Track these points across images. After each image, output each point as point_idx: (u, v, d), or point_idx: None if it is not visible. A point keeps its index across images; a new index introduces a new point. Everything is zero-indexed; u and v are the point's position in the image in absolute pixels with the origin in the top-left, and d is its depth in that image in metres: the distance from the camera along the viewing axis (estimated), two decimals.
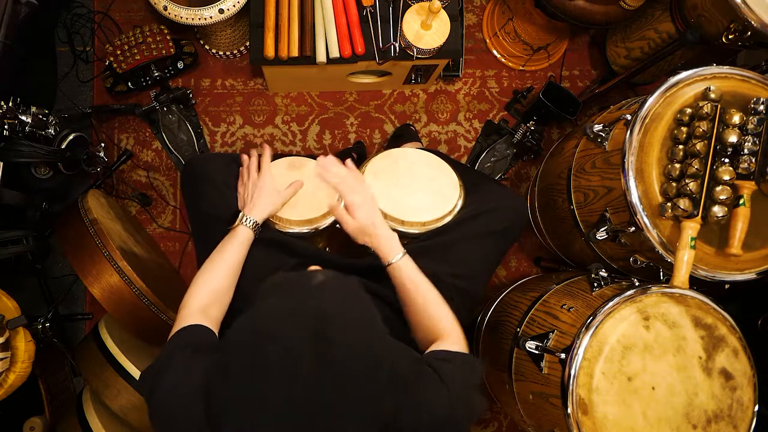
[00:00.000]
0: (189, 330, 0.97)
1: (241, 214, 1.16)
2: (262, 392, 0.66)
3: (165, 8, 1.54)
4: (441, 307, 1.07)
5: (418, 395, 0.82)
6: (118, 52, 1.70)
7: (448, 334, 1.03)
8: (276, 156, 1.35)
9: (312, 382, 0.65)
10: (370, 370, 0.69)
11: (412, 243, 1.25)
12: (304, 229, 1.25)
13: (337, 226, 1.33)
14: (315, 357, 0.65)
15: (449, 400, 0.85)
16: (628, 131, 1.20)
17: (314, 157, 1.40)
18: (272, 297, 0.72)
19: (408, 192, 1.29)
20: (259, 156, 1.27)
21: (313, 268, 0.84)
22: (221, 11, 1.55)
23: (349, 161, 1.24)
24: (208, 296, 1.05)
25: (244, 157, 1.27)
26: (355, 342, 0.68)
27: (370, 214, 1.15)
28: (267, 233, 1.19)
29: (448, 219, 1.26)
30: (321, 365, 0.65)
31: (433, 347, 1.00)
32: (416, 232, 1.25)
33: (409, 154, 1.37)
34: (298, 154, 1.40)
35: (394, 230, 1.24)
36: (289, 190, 1.25)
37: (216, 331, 1.02)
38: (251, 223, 1.15)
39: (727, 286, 1.20)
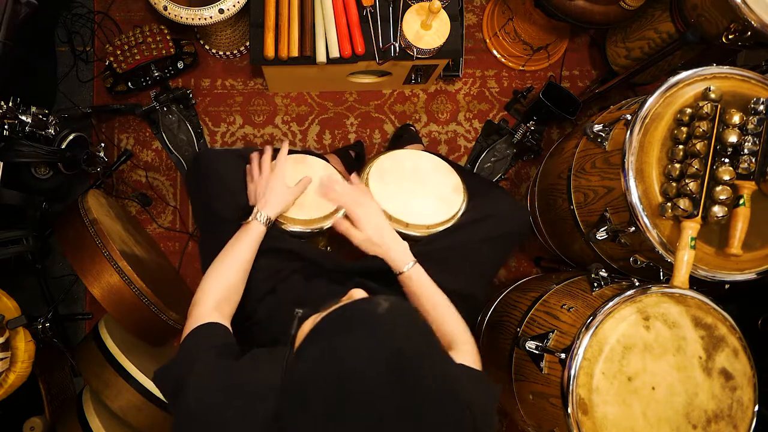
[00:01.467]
0: (207, 329, 0.97)
1: (255, 209, 1.15)
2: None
3: (165, 8, 1.54)
4: (452, 316, 1.08)
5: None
6: (118, 52, 1.70)
7: (459, 343, 1.03)
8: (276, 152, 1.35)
9: (398, 423, 0.63)
10: (452, 399, 0.68)
11: (414, 246, 1.25)
12: (307, 229, 1.25)
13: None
14: (398, 394, 0.63)
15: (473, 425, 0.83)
16: (628, 131, 1.20)
17: (316, 154, 1.41)
18: (340, 330, 0.68)
19: (412, 195, 1.29)
20: (275, 150, 1.26)
21: (356, 292, 0.80)
22: (221, 11, 1.55)
23: (354, 176, 1.25)
24: (220, 292, 1.05)
25: (254, 154, 1.25)
26: (431, 375, 0.66)
27: (377, 225, 1.16)
28: (267, 238, 1.17)
29: (451, 223, 1.27)
30: (405, 402, 0.63)
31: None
32: (418, 235, 1.26)
33: (414, 157, 1.37)
34: (300, 151, 1.40)
35: (397, 232, 1.25)
36: (298, 186, 1.24)
37: (229, 324, 1.02)
38: (264, 219, 1.14)
39: (727, 286, 1.20)
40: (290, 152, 1.36)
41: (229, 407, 0.81)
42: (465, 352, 1.02)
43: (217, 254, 1.14)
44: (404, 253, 1.13)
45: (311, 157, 1.35)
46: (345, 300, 0.78)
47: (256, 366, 0.88)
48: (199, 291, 1.05)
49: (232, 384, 0.84)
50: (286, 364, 0.72)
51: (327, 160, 1.40)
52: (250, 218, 1.14)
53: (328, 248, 1.44)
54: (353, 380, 0.63)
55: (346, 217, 1.22)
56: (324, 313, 0.72)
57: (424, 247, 1.23)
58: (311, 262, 1.20)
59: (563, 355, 1.16)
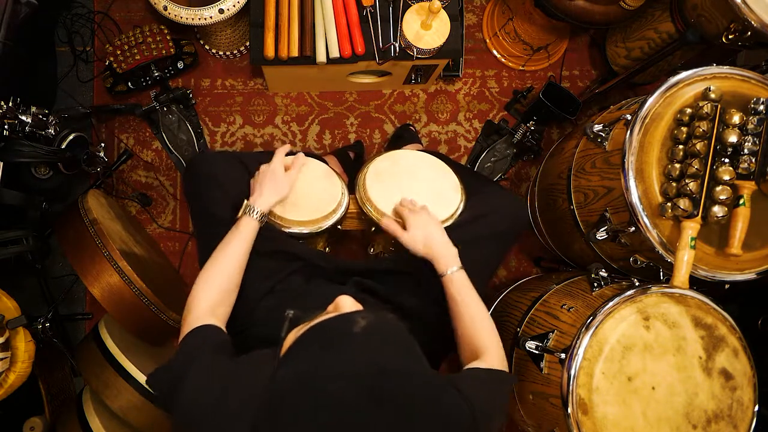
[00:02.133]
0: (202, 330, 0.96)
1: (245, 203, 1.13)
2: None
3: (165, 8, 1.55)
4: (486, 325, 1.08)
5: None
6: (118, 52, 1.70)
7: (488, 351, 1.04)
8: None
9: None
10: (437, 405, 0.68)
11: None
12: (305, 230, 1.25)
13: (339, 227, 1.33)
14: (373, 411, 0.63)
15: (472, 421, 0.82)
16: (628, 131, 1.20)
17: (315, 156, 1.41)
18: (317, 350, 0.67)
19: (410, 195, 1.29)
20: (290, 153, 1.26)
21: (342, 300, 0.79)
22: (221, 11, 1.55)
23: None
24: (215, 295, 1.04)
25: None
26: (408, 393, 0.65)
27: (428, 230, 1.16)
28: (266, 240, 1.17)
29: (450, 222, 1.27)
30: (382, 419, 0.63)
31: (473, 365, 1.00)
32: None
33: (410, 156, 1.37)
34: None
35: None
36: (293, 171, 1.22)
37: (224, 327, 1.02)
38: (256, 214, 1.12)
39: (727, 286, 1.20)
40: (288, 154, 1.36)
41: (226, 404, 0.81)
42: (490, 364, 1.02)
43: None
44: (451, 257, 1.13)
45: (309, 158, 1.35)
46: (331, 309, 0.78)
47: (254, 365, 0.88)
48: (191, 296, 1.03)
49: (229, 382, 0.84)
50: (273, 369, 0.72)
51: (326, 162, 1.40)
52: (240, 213, 1.12)
53: (327, 249, 1.44)
54: (325, 399, 0.63)
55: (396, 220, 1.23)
56: (306, 326, 0.71)
57: None
58: (310, 263, 1.20)
59: (563, 355, 1.16)
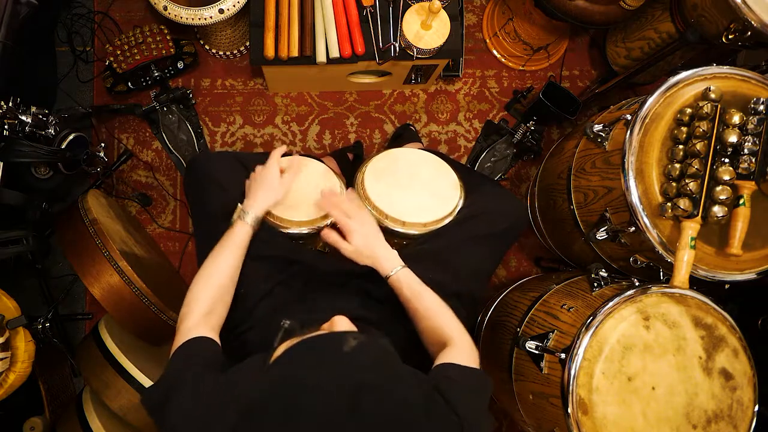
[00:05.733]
0: (193, 344, 0.96)
1: (238, 208, 1.12)
2: None
3: (165, 8, 1.55)
4: (445, 314, 1.07)
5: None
6: (118, 52, 1.70)
7: (455, 341, 1.02)
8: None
9: None
10: (422, 423, 0.70)
11: (412, 244, 1.25)
12: (304, 230, 1.24)
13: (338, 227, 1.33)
14: (349, 429, 0.65)
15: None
16: (628, 131, 1.20)
17: (314, 156, 1.41)
18: (303, 361, 0.71)
19: (408, 192, 1.29)
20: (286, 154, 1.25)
21: (338, 320, 0.83)
22: (221, 11, 1.55)
23: (350, 190, 1.25)
24: (208, 302, 1.03)
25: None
26: (388, 413, 0.68)
27: (366, 236, 1.14)
28: (264, 245, 1.16)
29: (449, 220, 1.26)
30: None
31: (442, 359, 0.99)
32: (416, 233, 1.25)
33: (409, 154, 1.37)
34: (298, 154, 1.40)
35: (394, 231, 1.25)
36: (289, 175, 1.21)
37: (217, 336, 1.01)
38: (249, 218, 1.11)
39: (727, 286, 1.20)
40: (286, 155, 1.36)
41: (215, 422, 0.81)
42: (460, 349, 1.01)
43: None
44: (392, 259, 1.12)
45: (310, 159, 1.35)
46: (326, 327, 0.81)
47: (242, 375, 0.88)
48: (185, 304, 1.03)
49: (215, 400, 0.84)
50: (260, 376, 0.75)
51: (324, 163, 1.40)
52: (234, 217, 1.11)
53: (327, 249, 1.44)
54: (303, 408, 0.65)
55: (335, 228, 1.20)
56: (298, 339, 0.74)
57: (421, 247, 1.23)
58: (309, 265, 1.19)
59: (563, 355, 1.16)
